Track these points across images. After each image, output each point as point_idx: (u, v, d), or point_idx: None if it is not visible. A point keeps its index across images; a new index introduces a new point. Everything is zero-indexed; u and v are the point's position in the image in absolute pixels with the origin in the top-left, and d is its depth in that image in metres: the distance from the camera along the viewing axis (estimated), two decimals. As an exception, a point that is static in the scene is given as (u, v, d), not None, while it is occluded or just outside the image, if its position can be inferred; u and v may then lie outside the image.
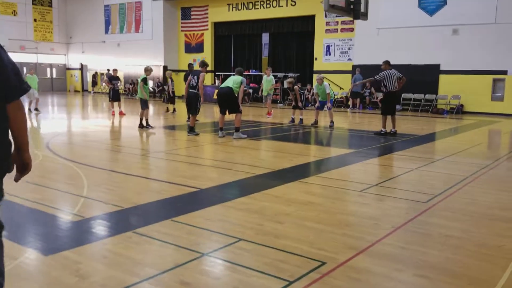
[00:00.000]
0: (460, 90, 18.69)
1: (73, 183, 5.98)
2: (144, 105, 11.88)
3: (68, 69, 34.38)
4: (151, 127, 12.01)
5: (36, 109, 16.71)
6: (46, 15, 32.68)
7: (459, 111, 18.64)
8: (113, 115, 15.76)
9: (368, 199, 5.44)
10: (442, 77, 19.19)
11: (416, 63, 19.18)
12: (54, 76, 34.04)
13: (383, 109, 11.56)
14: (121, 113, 15.92)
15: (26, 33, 31.64)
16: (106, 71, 31.38)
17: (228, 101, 10.35)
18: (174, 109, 16.75)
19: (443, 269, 3.42)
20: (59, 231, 4.18)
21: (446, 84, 19.08)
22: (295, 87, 13.71)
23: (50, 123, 14.13)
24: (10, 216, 4.59)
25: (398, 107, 19.86)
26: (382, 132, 11.31)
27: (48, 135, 10.68)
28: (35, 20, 32.12)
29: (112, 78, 15.95)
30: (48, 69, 33.76)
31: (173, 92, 16.34)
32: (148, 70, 12.38)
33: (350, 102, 20.88)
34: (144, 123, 11.99)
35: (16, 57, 31.37)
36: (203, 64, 10.93)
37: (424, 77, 19.13)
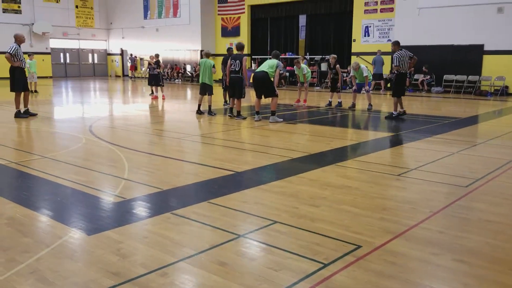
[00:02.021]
0: (504, 71, 17.93)
1: (115, 165, 6.18)
2: (211, 91, 11.55)
3: (109, 54, 35.14)
4: (214, 114, 11.56)
5: (35, 91, 18.08)
6: (87, 1, 33.40)
7: (503, 92, 17.92)
8: (155, 98, 16.05)
9: (406, 183, 5.36)
10: (486, 58, 18.44)
11: (459, 43, 18.52)
12: (96, 61, 34.90)
13: (397, 91, 10.94)
14: (156, 97, 16.23)
15: (68, 20, 32.49)
16: (130, 55, 32.01)
17: (263, 85, 10.34)
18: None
19: (482, 254, 3.35)
20: (101, 211, 4.35)
21: (490, 65, 18.33)
22: (337, 65, 13.43)
23: (93, 107, 14.55)
24: (55, 197, 4.82)
25: (439, 89, 19.33)
26: (394, 115, 10.89)
27: (91, 119, 11.02)
28: (76, 6, 32.90)
29: (155, 63, 16.25)
30: (90, 55, 34.64)
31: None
32: (210, 55, 11.99)
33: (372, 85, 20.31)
34: (202, 109, 11.66)
35: (59, 43, 32.39)
36: (242, 46, 10.87)
37: (467, 58, 18.47)
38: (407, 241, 3.58)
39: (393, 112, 10.97)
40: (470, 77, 18.81)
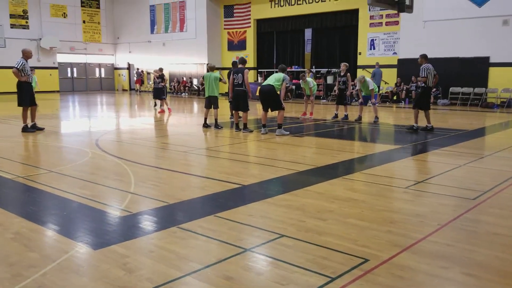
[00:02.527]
0: (511, 83, 17.88)
1: (121, 179, 6.19)
2: (217, 104, 11.60)
3: (116, 68, 35.46)
4: (221, 127, 11.56)
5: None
6: (94, 16, 33.83)
7: (510, 104, 17.86)
8: (163, 112, 16.13)
9: (413, 196, 5.33)
10: (492, 70, 18.42)
11: (464, 56, 18.52)
12: (103, 75, 35.21)
13: (422, 104, 10.88)
14: (169, 110, 16.32)
15: (76, 35, 32.88)
16: (136, 70, 32.38)
17: (269, 98, 10.40)
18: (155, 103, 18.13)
19: (491, 268, 3.31)
20: (107, 226, 4.35)
21: (496, 77, 18.30)
22: (348, 74, 13.44)
23: (99, 121, 14.64)
24: (62, 211, 4.82)
25: (445, 101, 19.27)
26: (415, 127, 10.81)
27: (97, 133, 11.08)
28: (84, 21, 33.32)
29: (159, 77, 16.38)
30: (97, 69, 34.96)
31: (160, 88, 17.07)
32: (215, 68, 12.07)
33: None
34: (208, 123, 11.69)
35: (66, 58, 32.74)
36: (244, 61, 11.09)
37: (473, 70, 18.44)
38: (415, 255, 3.54)
39: (414, 124, 10.94)
40: (476, 89, 18.77)
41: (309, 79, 13.87)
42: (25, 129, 10.92)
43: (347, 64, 13.72)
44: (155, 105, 18.03)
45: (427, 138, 9.95)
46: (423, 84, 10.75)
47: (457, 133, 10.69)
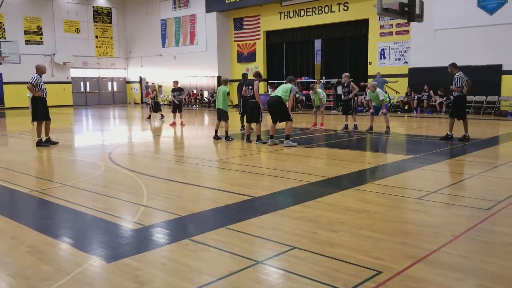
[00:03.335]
0: (524, 90, 17.73)
1: (134, 192, 6.23)
2: (226, 116, 11.70)
3: (128, 82, 35.85)
4: (231, 139, 11.64)
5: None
6: (106, 31, 34.33)
7: (524, 112, 17.66)
8: (174, 125, 16.21)
9: (426, 206, 5.28)
10: (504, 78, 18.28)
11: (477, 64, 18.39)
12: (115, 89, 35.62)
13: (458, 113, 10.84)
14: (181, 124, 16.40)
15: (89, 50, 33.39)
16: (146, 83, 32.81)
17: (277, 110, 10.43)
18: (162, 116, 19.15)
19: (507, 279, 3.26)
20: (120, 238, 4.37)
21: (509, 85, 18.16)
22: (352, 83, 13.48)
23: (112, 135, 14.78)
24: (75, 225, 4.87)
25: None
26: (449, 136, 10.81)
27: (110, 147, 11.18)
28: (96, 36, 33.84)
29: (174, 90, 16.47)
30: (109, 83, 35.40)
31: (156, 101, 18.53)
32: (227, 81, 12.24)
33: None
34: (219, 135, 11.83)
35: (79, 72, 33.22)
36: (258, 74, 11.25)
37: (485, 78, 18.30)
38: (429, 266, 3.51)
39: (448, 133, 10.92)
40: (489, 98, 18.62)
41: (319, 90, 13.93)
42: (39, 143, 11.07)
43: (348, 74, 13.85)
44: (162, 117, 18.82)
45: (439, 148, 9.87)
46: (458, 93, 10.69)
47: (471, 142, 10.59)
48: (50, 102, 11.78)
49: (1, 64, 25.59)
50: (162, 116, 19.10)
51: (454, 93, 10.82)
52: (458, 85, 10.58)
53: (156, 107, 18.56)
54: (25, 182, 7.06)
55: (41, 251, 4.01)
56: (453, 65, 10.89)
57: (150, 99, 18.93)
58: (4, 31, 29.06)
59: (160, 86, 32.94)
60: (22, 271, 3.55)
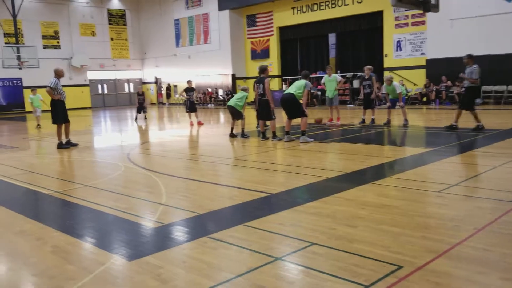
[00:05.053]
0: (547, 78, 17.34)
1: (153, 191, 6.29)
2: (239, 115, 11.71)
3: (144, 83, 36.15)
4: (247, 136, 11.64)
5: (38, 125, 17.77)
6: (121, 33, 34.65)
7: (547, 101, 17.28)
8: (192, 125, 16.21)
9: (447, 200, 5.21)
10: (526, 66, 17.89)
11: (496, 53, 18.04)
12: (132, 90, 35.95)
13: (469, 104, 10.74)
14: (199, 123, 16.40)
15: (105, 52, 33.76)
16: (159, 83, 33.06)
17: (291, 107, 10.39)
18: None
19: (532, 273, 3.21)
20: (141, 237, 4.42)
21: (531, 73, 17.77)
22: (373, 76, 13.33)
23: (130, 135, 14.93)
24: (97, 224, 4.94)
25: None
26: (480, 127, 10.67)
27: (128, 147, 11.30)
28: (112, 39, 34.18)
29: (187, 90, 16.46)
30: (126, 85, 35.75)
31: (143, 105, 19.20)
32: (247, 90, 12.29)
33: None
34: (234, 132, 11.89)
35: (96, 75, 33.62)
36: (263, 69, 10.99)
37: (505, 67, 17.96)
38: (451, 260, 3.47)
39: (453, 123, 10.94)
40: (510, 87, 18.27)
41: (395, 82, 13.16)
42: (60, 146, 11.24)
43: (371, 67, 13.61)
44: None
45: (459, 140, 9.73)
46: (470, 84, 10.54)
47: (491, 133, 10.41)
48: (69, 105, 11.94)
49: (20, 69, 26.05)
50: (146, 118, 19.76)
51: (466, 84, 10.65)
52: (476, 77, 10.41)
53: (192, 107, 16.83)
54: (48, 183, 7.19)
55: (64, 251, 4.08)
56: (470, 56, 10.72)
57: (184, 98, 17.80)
58: (23, 37, 29.54)
59: (175, 86, 33.20)
60: (47, 271, 3.62)
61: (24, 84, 29.45)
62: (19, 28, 28.44)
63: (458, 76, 18.41)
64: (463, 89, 11.02)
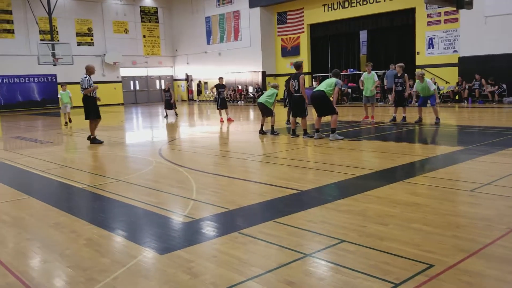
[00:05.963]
0: None
1: (183, 186, 6.40)
2: (269, 112, 11.76)
3: (175, 80, 36.59)
4: (277, 133, 11.72)
5: (68, 120, 17.71)
6: (153, 31, 35.17)
7: None
8: (222, 122, 16.32)
9: (479, 199, 5.11)
10: None
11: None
12: (163, 87, 36.40)
13: None
14: (229, 120, 16.49)
15: (137, 49, 34.35)
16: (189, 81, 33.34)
17: (321, 104, 10.36)
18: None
19: None
20: (172, 231, 4.52)
21: None
22: (405, 74, 13.11)
23: (161, 131, 15.17)
24: (129, 218, 5.07)
25: (511, 99, 18.30)
26: None
27: (160, 143, 11.49)
28: (144, 36, 34.73)
29: (219, 86, 16.53)
30: (157, 81, 36.27)
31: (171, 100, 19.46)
32: (277, 86, 12.33)
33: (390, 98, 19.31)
34: (264, 129, 11.99)
35: (129, 71, 34.24)
36: (298, 65, 10.96)
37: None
38: (483, 260, 3.41)
39: None
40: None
41: (428, 79, 12.79)
42: (93, 141, 11.52)
43: (403, 65, 13.39)
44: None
45: (492, 139, 9.49)
46: None
47: (527, 132, 10.11)
48: (102, 101, 12.19)
49: (55, 65, 26.75)
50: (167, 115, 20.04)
51: None
52: None
53: (222, 103, 16.85)
54: (81, 178, 7.40)
55: (97, 243, 4.21)
56: None
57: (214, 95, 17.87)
58: (58, 34, 30.36)
59: (205, 83, 33.49)
60: (81, 263, 3.74)
61: (59, 80, 30.24)
62: (54, 26, 29.22)
63: (492, 75, 18.06)
64: None
